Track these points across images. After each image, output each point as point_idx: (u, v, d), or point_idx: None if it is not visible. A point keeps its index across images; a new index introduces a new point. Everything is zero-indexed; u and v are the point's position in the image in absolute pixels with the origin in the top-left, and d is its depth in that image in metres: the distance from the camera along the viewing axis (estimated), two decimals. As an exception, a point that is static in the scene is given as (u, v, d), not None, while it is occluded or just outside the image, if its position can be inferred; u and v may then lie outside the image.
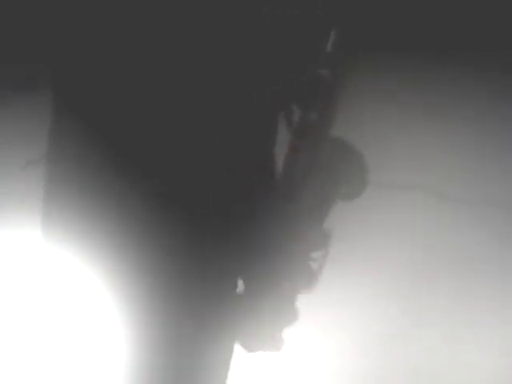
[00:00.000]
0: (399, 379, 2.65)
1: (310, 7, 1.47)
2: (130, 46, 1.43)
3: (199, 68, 1.43)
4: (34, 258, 2.86)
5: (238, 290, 1.55)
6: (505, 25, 4.29)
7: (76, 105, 1.49)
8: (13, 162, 3.74)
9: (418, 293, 2.88)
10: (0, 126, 4.06)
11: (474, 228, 3.22)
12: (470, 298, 2.89)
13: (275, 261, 1.50)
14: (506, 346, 2.75)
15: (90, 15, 1.45)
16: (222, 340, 1.54)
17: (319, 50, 1.50)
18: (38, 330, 2.70)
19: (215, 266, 1.50)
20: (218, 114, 1.45)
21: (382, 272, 2.92)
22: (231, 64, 1.44)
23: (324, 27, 1.50)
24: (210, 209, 1.47)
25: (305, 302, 1.58)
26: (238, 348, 1.55)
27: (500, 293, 2.95)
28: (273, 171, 1.56)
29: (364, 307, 2.80)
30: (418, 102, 4.05)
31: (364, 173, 1.56)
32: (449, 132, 3.79)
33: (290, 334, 1.54)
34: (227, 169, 1.47)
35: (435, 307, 2.86)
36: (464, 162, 3.64)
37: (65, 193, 1.52)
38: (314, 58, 1.51)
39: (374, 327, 2.76)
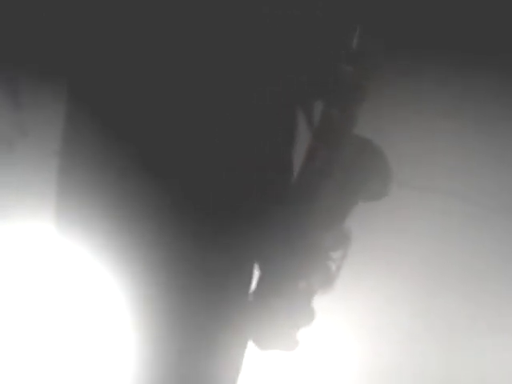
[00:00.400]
0: (410, 380, 2.65)
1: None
2: (143, 45, 1.43)
3: (214, 65, 1.43)
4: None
5: (252, 287, 1.54)
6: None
7: (89, 100, 1.50)
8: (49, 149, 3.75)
9: (434, 296, 2.87)
10: (37, 113, 4.09)
11: (494, 234, 3.20)
12: (480, 306, 2.88)
13: (292, 259, 1.49)
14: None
15: (102, 12, 1.46)
16: (234, 336, 1.53)
17: (342, 45, 1.49)
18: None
19: (229, 263, 1.49)
20: (234, 111, 1.45)
21: (398, 273, 2.91)
22: (251, 59, 1.43)
23: (347, 23, 1.49)
24: (225, 207, 1.47)
25: (319, 300, 1.56)
26: (251, 346, 1.54)
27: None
28: (290, 170, 1.55)
29: (378, 308, 2.79)
30: (436, 103, 4.02)
31: (388, 174, 1.53)
32: (470, 136, 3.77)
33: (304, 333, 1.52)
34: (242, 167, 1.46)
35: (449, 311, 2.85)
36: (483, 166, 3.62)
37: (77, 187, 1.52)
38: (337, 54, 1.50)
39: (388, 328, 2.75)
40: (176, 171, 1.45)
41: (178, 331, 1.48)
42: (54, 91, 4.27)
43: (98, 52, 1.47)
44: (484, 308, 2.85)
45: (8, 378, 2.65)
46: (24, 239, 3.17)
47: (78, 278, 1.54)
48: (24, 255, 3.10)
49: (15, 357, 2.70)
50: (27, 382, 2.63)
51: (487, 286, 2.94)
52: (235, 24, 1.41)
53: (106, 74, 1.47)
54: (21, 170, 3.54)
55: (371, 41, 1.47)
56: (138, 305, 1.48)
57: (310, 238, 1.49)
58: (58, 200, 1.57)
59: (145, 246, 1.47)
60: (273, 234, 1.49)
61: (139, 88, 1.44)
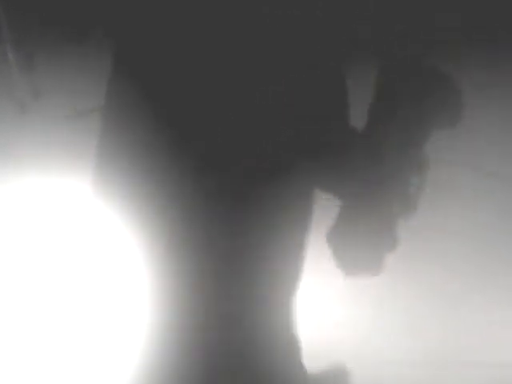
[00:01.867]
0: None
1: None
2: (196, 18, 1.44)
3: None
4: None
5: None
6: None
7: (136, 63, 1.51)
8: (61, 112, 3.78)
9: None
10: (50, 76, 4.10)
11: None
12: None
13: (370, 187, 1.48)
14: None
15: None
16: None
17: None
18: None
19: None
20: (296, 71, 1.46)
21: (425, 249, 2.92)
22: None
23: None
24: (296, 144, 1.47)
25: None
26: (338, 272, 1.53)
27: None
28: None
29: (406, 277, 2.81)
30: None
31: (460, 97, 1.54)
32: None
33: (388, 259, 1.51)
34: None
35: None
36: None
37: (117, 147, 1.51)
38: None
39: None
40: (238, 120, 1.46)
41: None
42: (67, 54, 4.31)
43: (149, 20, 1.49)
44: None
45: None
46: (35, 199, 3.18)
47: (111, 233, 1.53)
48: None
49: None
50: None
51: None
52: None
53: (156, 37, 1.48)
54: (32, 132, 3.57)
55: None
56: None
57: (386, 166, 1.49)
58: (97, 161, 1.56)
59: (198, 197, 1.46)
60: (349, 164, 1.49)
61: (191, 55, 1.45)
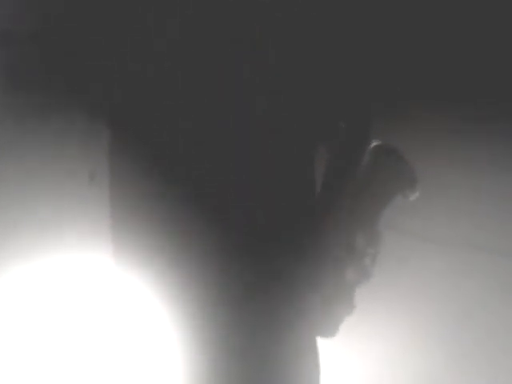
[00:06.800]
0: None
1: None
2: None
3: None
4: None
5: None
6: None
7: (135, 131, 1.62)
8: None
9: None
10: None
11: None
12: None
13: (327, 260, 1.63)
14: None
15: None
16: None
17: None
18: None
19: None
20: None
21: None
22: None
23: None
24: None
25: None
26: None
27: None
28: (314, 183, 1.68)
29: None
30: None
31: (410, 174, 1.66)
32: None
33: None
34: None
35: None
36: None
37: (129, 219, 1.63)
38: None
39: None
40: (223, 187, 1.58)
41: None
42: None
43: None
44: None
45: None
46: (102, 268, 3.28)
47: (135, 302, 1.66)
48: (97, 281, 3.22)
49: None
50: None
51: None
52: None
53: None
54: (99, 201, 3.65)
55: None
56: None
57: (343, 241, 1.64)
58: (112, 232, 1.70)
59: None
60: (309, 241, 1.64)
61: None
